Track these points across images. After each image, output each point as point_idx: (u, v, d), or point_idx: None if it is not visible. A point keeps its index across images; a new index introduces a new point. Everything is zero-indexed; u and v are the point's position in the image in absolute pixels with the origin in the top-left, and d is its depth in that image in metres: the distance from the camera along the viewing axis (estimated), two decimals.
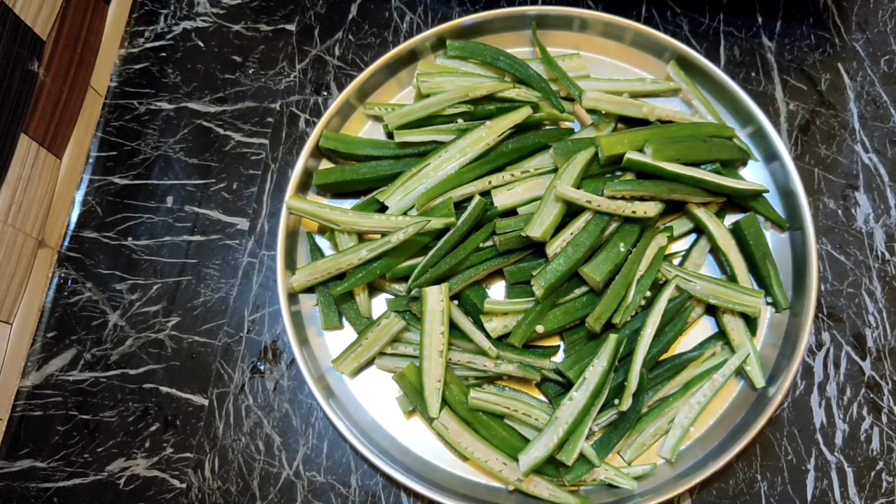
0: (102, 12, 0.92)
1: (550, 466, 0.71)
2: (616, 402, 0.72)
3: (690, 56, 0.81)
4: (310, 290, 0.79)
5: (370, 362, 0.77)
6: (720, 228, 0.77)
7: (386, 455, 0.72)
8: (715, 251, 0.79)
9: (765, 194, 0.79)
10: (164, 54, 0.90)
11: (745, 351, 0.74)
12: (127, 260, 0.83)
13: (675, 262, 0.79)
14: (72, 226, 0.84)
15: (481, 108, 0.81)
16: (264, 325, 0.80)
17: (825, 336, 0.78)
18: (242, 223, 0.84)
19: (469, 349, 0.74)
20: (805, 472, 0.74)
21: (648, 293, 0.74)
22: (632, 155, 0.74)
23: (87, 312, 0.81)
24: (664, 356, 0.76)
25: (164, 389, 0.79)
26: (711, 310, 0.77)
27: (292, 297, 0.77)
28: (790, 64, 0.87)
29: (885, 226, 0.81)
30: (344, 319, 0.79)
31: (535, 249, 0.76)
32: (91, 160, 0.86)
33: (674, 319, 0.75)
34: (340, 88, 0.87)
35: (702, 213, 0.77)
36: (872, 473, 0.74)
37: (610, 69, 0.86)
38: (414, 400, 0.73)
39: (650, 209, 0.74)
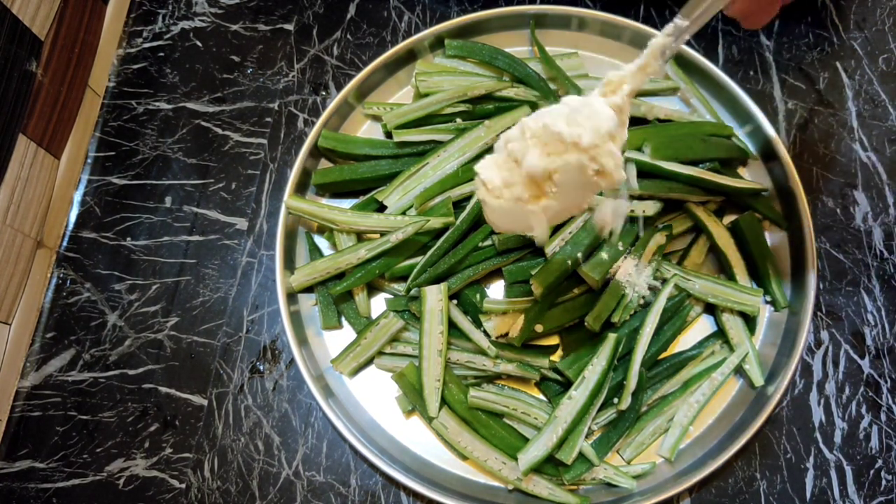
0: (100, 12, 0.92)
1: (549, 465, 0.71)
2: (615, 400, 0.72)
3: (689, 55, 0.81)
4: (309, 289, 0.79)
5: (369, 362, 0.77)
6: (719, 227, 0.77)
7: (385, 454, 0.72)
8: (714, 250, 0.79)
9: (763, 193, 0.79)
10: (162, 54, 0.90)
11: (744, 349, 0.74)
12: (126, 260, 0.83)
13: (674, 260, 0.79)
14: (70, 226, 0.84)
15: (480, 108, 0.81)
16: (263, 324, 0.80)
17: (824, 334, 0.78)
18: (241, 223, 0.84)
19: (468, 348, 0.74)
20: (804, 471, 0.74)
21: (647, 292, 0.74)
22: (630, 154, 0.74)
23: (86, 313, 0.81)
24: (663, 355, 0.76)
25: (164, 389, 0.79)
26: (710, 308, 0.77)
27: (291, 296, 0.77)
28: (788, 63, 0.87)
29: (883, 224, 0.81)
30: (343, 319, 0.79)
31: (534, 248, 0.76)
32: (89, 160, 0.86)
33: (673, 318, 0.75)
34: (339, 88, 0.87)
35: (700, 212, 0.77)
36: (871, 472, 0.74)
37: (608, 68, 0.85)
38: (413, 399, 0.73)
39: (649, 208, 0.74)
